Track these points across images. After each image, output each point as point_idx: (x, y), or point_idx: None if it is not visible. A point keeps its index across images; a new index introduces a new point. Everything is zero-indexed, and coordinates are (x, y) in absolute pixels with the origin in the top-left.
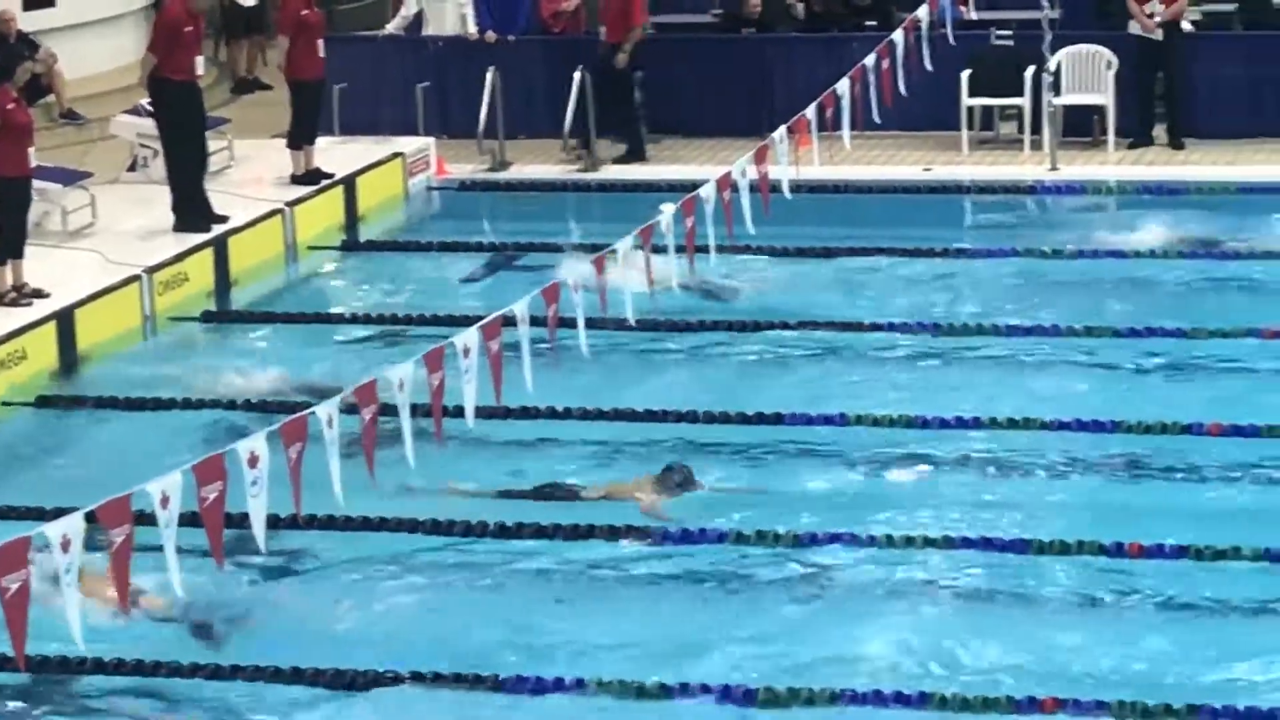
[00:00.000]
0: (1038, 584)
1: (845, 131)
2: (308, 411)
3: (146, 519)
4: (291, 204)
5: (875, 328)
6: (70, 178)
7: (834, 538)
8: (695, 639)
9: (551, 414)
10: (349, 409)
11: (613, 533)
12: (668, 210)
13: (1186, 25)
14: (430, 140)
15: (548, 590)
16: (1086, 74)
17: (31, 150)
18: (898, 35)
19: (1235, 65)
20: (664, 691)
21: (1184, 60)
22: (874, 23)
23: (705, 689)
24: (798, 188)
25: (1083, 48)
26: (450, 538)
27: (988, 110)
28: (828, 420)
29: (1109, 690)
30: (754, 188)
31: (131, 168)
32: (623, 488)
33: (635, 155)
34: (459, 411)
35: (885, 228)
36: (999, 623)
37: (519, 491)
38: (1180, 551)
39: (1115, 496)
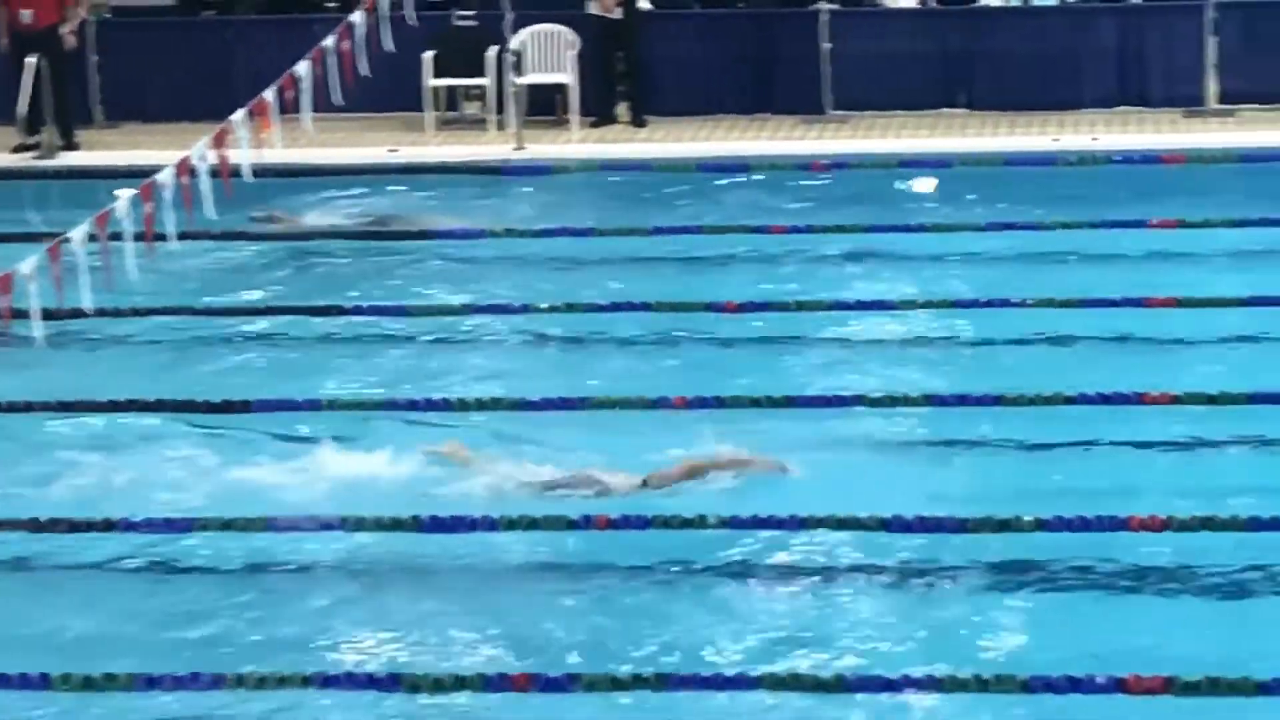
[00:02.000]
0: None
1: (306, 114)
2: None
3: None
4: None
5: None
6: None
7: None
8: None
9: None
10: None
11: None
12: (124, 196)
13: (645, 4)
14: None
15: None
16: (548, 53)
17: None
18: (357, 16)
19: (694, 43)
20: None
21: (644, 39)
22: (335, 4)
23: None
24: (260, 171)
25: (544, 27)
26: None
27: (451, 91)
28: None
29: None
30: (215, 172)
31: None
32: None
33: (68, 145)
34: None
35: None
36: None
37: None
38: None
39: None
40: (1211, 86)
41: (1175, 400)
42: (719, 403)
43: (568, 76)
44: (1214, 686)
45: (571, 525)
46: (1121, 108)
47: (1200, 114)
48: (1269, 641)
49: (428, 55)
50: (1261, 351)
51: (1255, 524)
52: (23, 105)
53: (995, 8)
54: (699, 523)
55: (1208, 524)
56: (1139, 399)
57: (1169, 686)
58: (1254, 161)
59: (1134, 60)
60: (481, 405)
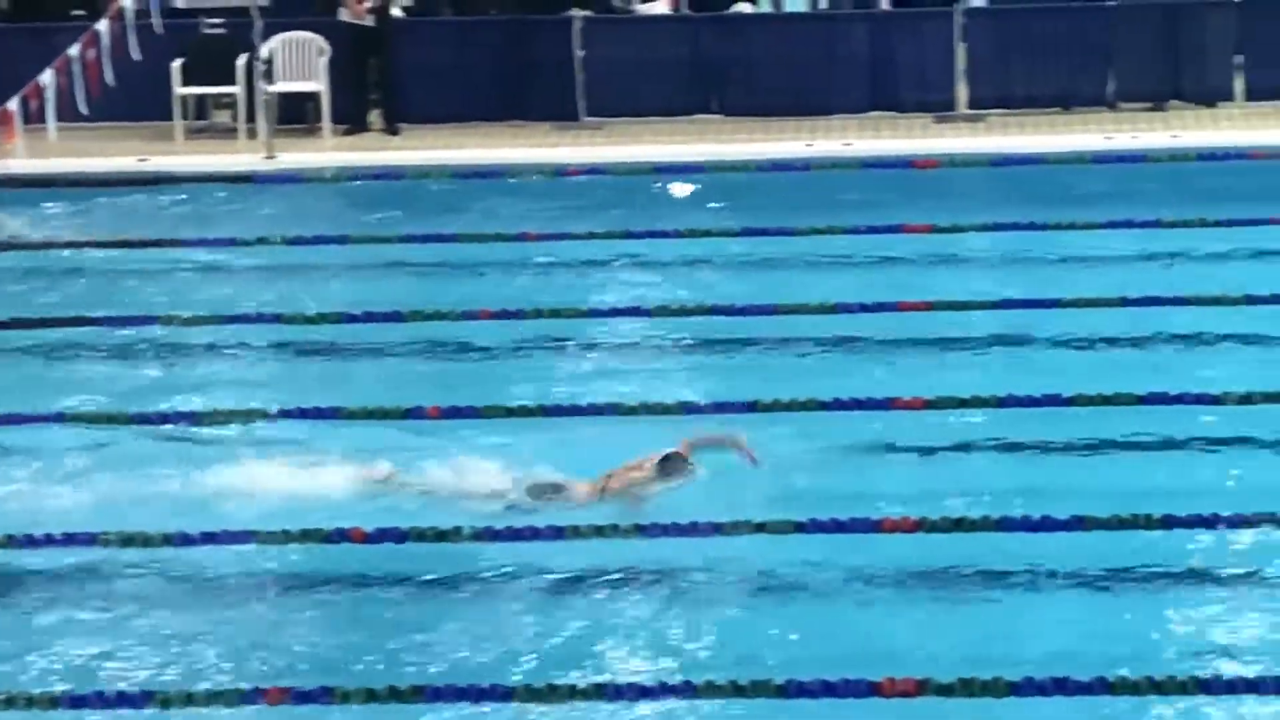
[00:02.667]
0: None
1: (51, 124)
2: None
3: None
4: None
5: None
6: None
7: None
8: None
9: None
10: None
11: None
12: None
13: (398, 11)
14: None
15: None
16: (299, 61)
17: None
18: (103, 24)
19: (447, 50)
20: None
21: (397, 46)
22: (81, 12)
23: None
24: (4, 182)
25: (294, 35)
26: None
27: (201, 99)
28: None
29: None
30: None
31: None
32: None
33: None
34: None
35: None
36: None
37: None
38: None
39: None
40: (962, 92)
41: (928, 405)
42: (475, 412)
43: (319, 84)
44: (967, 688)
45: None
46: (874, 113)
47: (951, 119)
48: (1020, 643)
49: (176, 63)
50: (1013, 355)
51: (1006, 524)
52: None
53: (748, 14)
54: (454, 535)
55: (959, 525)
56: (890, 404)
57: (922, 689)
58: (1003, 165)
59: (886, 66)
60: (231, 416)
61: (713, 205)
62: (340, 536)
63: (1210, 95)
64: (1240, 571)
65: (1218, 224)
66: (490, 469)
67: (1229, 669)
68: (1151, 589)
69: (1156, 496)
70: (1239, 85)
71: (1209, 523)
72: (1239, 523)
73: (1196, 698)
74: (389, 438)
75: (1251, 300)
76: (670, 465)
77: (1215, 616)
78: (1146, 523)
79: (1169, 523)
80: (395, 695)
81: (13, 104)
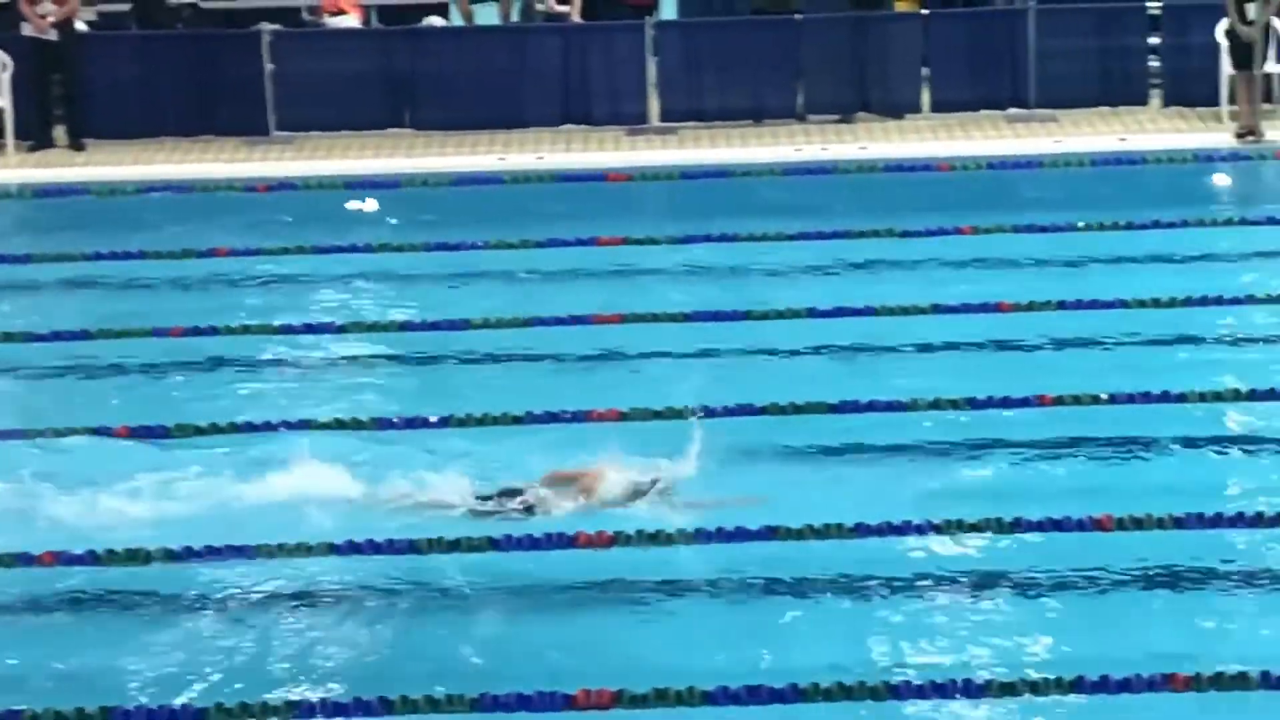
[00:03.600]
0: None
1: None
2: None
3: None
4: None
5: None
6: None
7: None
8: None
9: None
10: None
11: None
12: None
13: (82, 25)
14: None
15: None
16: None
17: None
18: None
19: (133, 65)
20: None
21: (81, 61)
22: None
23: None
24: None
25: None
26: None
27: None
28: None
29: None
30: None
31: None
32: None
33: None
34: None
35: None
36: None
37: None
38: None
39: None
40: (653, 105)
41: (623, 416)
42: (164, 431)
43: (2, 100)
44: (661, 697)
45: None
46: (567, 126)
47: (643, 132)
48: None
49: None
50: (712, 366)
51: (769, 532)
52: None
53: (439, 28)
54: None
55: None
56: (586, 416)
57: (617, 700)
58: (695, 178)
59: (578, 79)
60: None
61: (404, 220)
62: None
63: (897, 107)
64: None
65: (906, 234)
66: (447, 479)
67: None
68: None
69: (845, 503)
70: (925, 97)
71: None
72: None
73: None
74: (76, 458)
75: (939, 309)
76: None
77: None
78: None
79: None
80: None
81: None
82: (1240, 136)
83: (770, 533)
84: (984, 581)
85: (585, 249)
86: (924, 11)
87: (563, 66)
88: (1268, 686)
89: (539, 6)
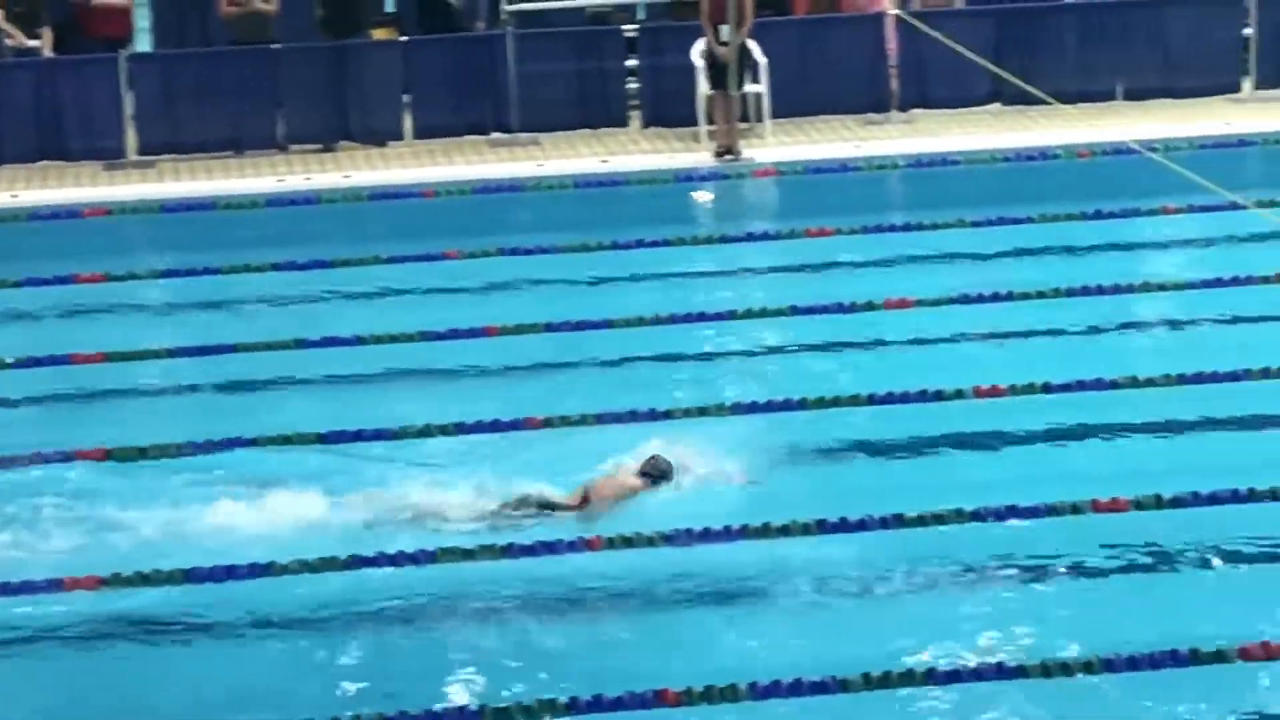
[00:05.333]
0: None
1: None
2: None
3: None
4: None
5: None
6: None
7: None
8: None
9: None
10: None
11: None
12: None
13: None
14: None
15: None
16: None
17: None
18: None
19: None
20: None
21: None
22: None
23: None
24: None
25: None
26: None
27: None
28: None
29: None
30: None
31: None
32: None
33: None
34: None
35: None
36: None
37: None
38: None
39: None
40: (131, 138)
41: (108, 455)
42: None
43: None
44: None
45: None
46: (42, 162)
47: (121, 166)
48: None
49: None
50: (197, 402)
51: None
52: None
53: None
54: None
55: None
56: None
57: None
58: (176, 211)
59: (51, 114)
60: None
61: None
62: None
63: (379, 134)
64: None
65: (392, 260)
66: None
67: None
68: None
69: None
70: (408, 124)
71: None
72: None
73: None
74: None
75: (453, 334)
76: (651, 469)
77: None
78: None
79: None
80: None
81: None
82: (719, 155)
83: None
84: None
85: (64, 287)
86: (403, 39)
87: (35, 101)
88: None
89: (8, 42)
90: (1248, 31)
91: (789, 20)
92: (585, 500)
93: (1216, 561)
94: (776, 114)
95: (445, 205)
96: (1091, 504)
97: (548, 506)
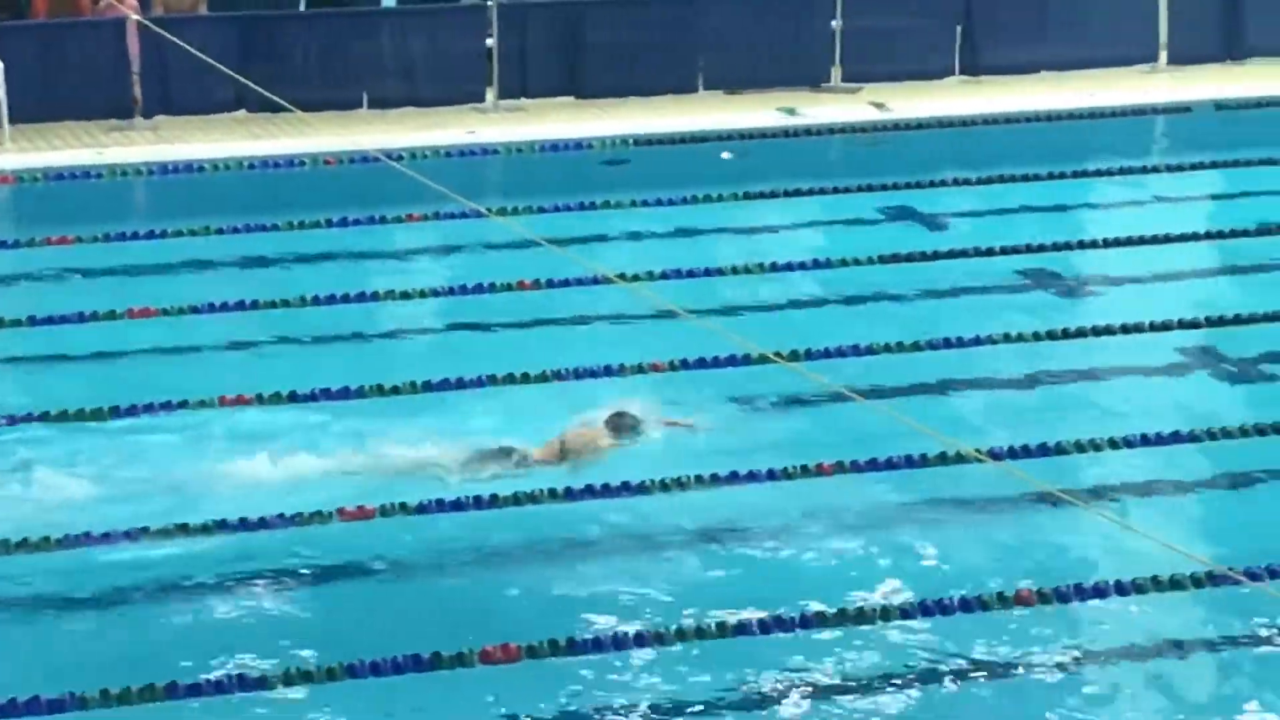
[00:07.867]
0: None
1: None
2: None
3: None
4: None
5: None
6: None
7: None
8: None
9: None
10: None
11: None
12: None
13: None
14: None
15: None
16: None
17: None
18: None
19: None
20: None
21: None
22: None
23: None
24: None
25: None
26: None
27: None
28: None
29: None
30: None
31: None
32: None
33: None
34: None
35: None
36: None
37: None
38: None
39: None
40: None
41: None
42: None
43: None
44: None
45: None
46: None
47: None
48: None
49: None
50: None
51: None
52: None
53: None
54: None
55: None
56: None
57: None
58: None
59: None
60: None
61: None
62: None
63: None
64: None
65: None
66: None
67: None
68: None
69: None
70: None
71: None
72: None
73: None
74: None
75: None
76: (618, 423)
77: None
78: None
79: None
80: None
81: None
82: None
83: None
84: None
85: None
86: None
87: None
88: None
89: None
90: (490, 42)
91: (27, 24)
92: (561, 452)
93: None
94: (15, 120)
95: None
96: None
97: (525, 459)
